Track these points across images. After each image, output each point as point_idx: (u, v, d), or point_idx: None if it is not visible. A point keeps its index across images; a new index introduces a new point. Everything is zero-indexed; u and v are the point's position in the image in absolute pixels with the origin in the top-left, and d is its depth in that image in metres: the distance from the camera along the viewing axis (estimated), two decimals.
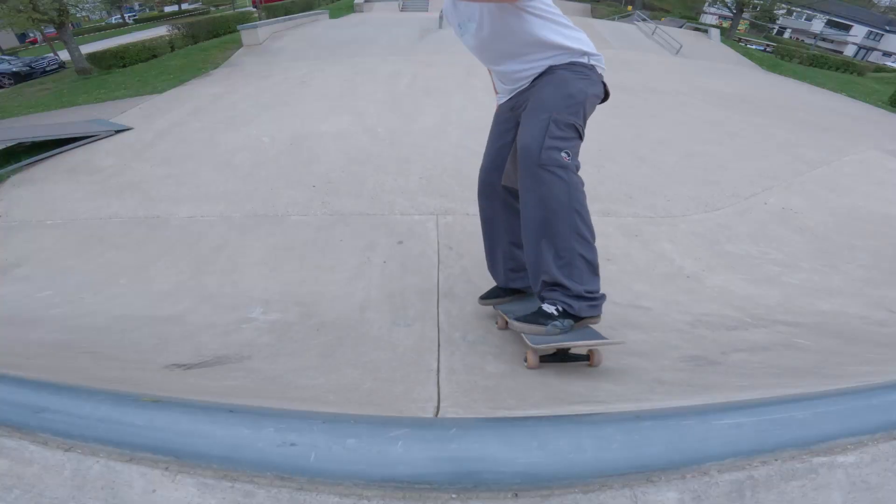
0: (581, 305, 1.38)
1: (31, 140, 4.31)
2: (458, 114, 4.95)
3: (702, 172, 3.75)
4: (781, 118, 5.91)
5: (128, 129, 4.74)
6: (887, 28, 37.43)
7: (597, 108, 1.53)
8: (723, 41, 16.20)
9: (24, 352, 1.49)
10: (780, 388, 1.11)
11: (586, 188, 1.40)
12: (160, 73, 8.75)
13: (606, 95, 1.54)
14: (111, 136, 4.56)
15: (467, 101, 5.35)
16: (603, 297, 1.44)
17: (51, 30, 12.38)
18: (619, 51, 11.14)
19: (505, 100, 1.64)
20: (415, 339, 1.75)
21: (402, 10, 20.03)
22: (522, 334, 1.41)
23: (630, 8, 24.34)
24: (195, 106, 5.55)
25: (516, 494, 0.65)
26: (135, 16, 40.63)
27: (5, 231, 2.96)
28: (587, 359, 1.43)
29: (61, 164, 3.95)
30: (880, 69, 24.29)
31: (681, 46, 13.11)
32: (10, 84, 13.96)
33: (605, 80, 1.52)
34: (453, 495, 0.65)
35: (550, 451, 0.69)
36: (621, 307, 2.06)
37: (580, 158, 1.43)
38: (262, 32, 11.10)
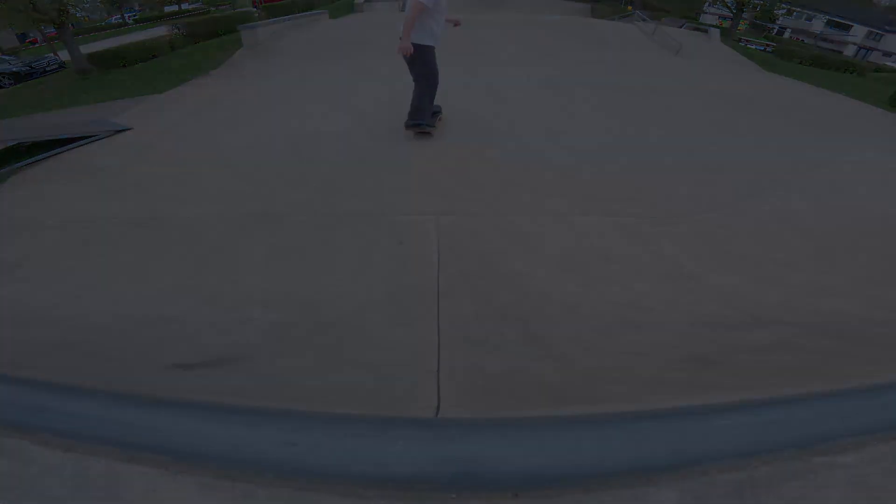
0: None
1: (31, 140, 4.31)
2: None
3: (702, 172, 3.75)
4: (781, 118, 5.91)
5: (128, 129, 4.74)
6: (887, 28, 37.38)
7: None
8: (723, 41, 16.17)
9: (24, 352, 1.49)
10: (780, 388, 1.11)
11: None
12: (160, 73, 8.75)
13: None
14: (111, 136, 4.55)
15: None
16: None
17: (51, 30, 12.38)
18: (619, 51, 11.13)
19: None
20: (415, 339, 1.75)
21: (403, 10, 20.00)
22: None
23: (630, 8, 24.32)
24: (195, 106, 5.55)
25: (516, 494, 0.65)
26: (135, 16, 40.61)
27: (5, 231, 2.96)
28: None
29: (61, 164, 3.95)
30: (880, 69, 24.23)
31: (681, 46, 13.09)
32: (10, 84, 13.94)
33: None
34: (453, 495, 0.65)
35: (550, 451, 0.69)
36: (621, 307, 2.06)
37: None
38: (262, 32, 11.08)
